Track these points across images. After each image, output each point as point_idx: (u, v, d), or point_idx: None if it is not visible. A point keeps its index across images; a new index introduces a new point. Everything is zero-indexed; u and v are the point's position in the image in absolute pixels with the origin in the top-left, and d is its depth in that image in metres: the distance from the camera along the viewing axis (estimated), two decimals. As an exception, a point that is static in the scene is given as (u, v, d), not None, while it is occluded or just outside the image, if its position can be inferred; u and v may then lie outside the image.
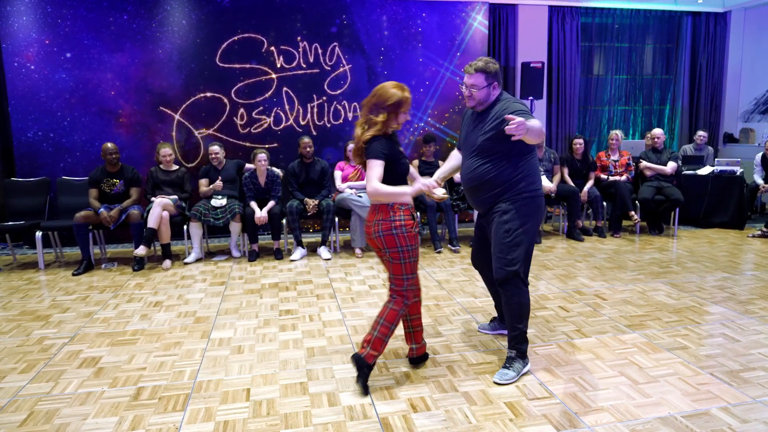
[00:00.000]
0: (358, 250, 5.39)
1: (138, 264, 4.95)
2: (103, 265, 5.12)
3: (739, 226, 6.36)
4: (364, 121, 2.52)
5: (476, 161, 2.72)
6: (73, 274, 4.81)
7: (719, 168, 6.47)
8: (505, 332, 2.98)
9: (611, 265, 4.86)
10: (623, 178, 6.20)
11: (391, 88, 2.49)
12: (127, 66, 5.89)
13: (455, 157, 3.03)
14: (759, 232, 5.95)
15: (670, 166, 6.19)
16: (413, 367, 2.82)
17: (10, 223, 5.22)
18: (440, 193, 2.59)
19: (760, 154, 6.66)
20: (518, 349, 2.72)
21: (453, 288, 4.22)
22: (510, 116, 2.33)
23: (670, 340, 3.13)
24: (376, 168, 2.44)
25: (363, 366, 2.53)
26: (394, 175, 2.50)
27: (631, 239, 5.97)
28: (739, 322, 3.39)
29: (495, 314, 3.36)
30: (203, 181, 5.41)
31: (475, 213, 5.15)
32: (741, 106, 8.13)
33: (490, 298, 3.93)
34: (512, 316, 2.70)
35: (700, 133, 7.01)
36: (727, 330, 3.28)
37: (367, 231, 2.57)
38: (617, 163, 6.29)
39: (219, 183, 5.27)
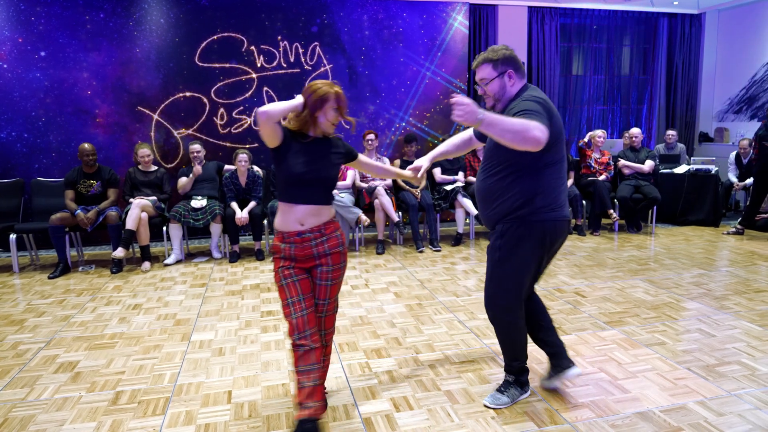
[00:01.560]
0: (340, 250, 5.37)
1: (116, 266, 4.87)
2: (80, 268, 5.03)
3: (715, 223, 6.49)
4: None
5: (484, 170, 2.33)
6: (49, 278, 4.71)
7: (695, 167, 6.59)
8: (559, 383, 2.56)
9: (591, 262, 4.92)
10: (602, 177, 6.28)
11: (319, 83, 2.14)
12: (103, 65, 5.79)
13: (457, 138, 2.58)
14: (733, 230, 6.08)
15: (648, 165, 6.29)
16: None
17: (-17, 225, 5.10)
18: (417, 183, 2.49)
19: (734, 153, 6.82)
20: (517, 378, 2.46)
21: (435, 287, 4.24)
22: (454, 97, 1.91)
23: (648, 336, 3.18)
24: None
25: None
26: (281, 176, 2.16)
27: (610, 237, 6.05)
28: (714, 318, 3.46)
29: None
30: (182, 179, 5.34)
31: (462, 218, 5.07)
32: (716, 106, 8.30)
33: (471, 297, 3.96)
34: (506, 353, 2.44)
35: (670, 132, 7.14)
36: (703, 325, 3.34)
37: (332, 244, 2.20)
38: (598, 161, 6.37)
39: (198, 168, 5.18)
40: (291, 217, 2.15)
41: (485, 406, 2.41)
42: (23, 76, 5.61)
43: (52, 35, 5.63)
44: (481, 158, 6.01)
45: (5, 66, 5.56)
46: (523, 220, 2.22)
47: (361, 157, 2.45)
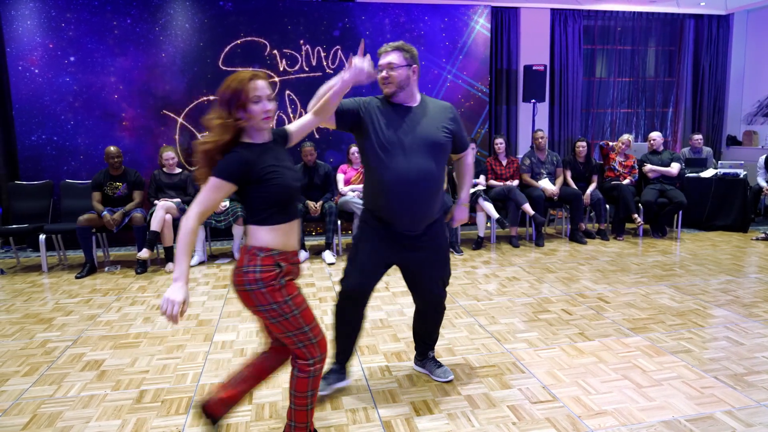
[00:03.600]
0: (360, 253, 5.38)
1: (141, 267, 4.96)
2: (106, 268, 5.13)
3: (743, 228, 6.34)
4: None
5: (426, 161, 2.32)
6: (76, 277, 4.82)
7: (722, 170, 6.45)
8: (340, 384, 2.63)
9: (614, 267, 4.85)
10: (626, 181, 6.19)
11: (228, 80, 1.82)
12: (130, 69, 5.91)
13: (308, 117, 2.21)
14: (763, 235, 5.93)
15: (675, 167, 6.18)
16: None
17: (13, 226, 5.23)
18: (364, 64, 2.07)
19: (764, 157, 6.64)
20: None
21: (455, 291, 4.22)
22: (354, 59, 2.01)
23: (674, 344, 3.12)
24: (206, 192, 1.78)
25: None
26: (263, 199, 1.84)
27: (634, 242, 5.95)
28: (743, 326, 3.38)
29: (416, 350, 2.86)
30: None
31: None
32: (744, 109, 8.12)
33: (492, 301, 3.93)
34: (438, 328, 2.74)
35: (696, 136, 7.00)
36: (731, 333, 3.27)
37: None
38: (622, 164, 6.28)
39: (221, 206, 5.20)
40: (292, 235, 1.93)
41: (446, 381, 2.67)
42: (53, 80, 5.76)
43: (81, 41, 5.78)
44: (503, 163, 6.03)
45: (36, 71, 5.71)
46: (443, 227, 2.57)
47: (290, 127, 2.09)
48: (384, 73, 2.39)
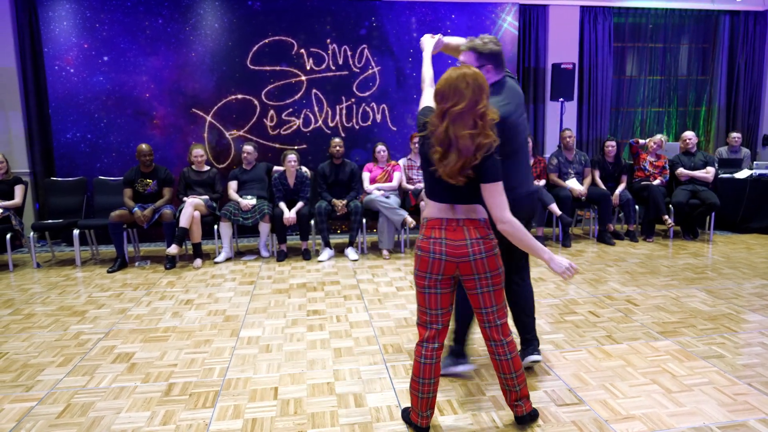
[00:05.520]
0: (385, 252, 5.40)
1: (170, 262, 5.06)
2: (136, 263, 5.25)
3: (779, 231, 6.15)
4: (490, 119, 1.97)
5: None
6: (108, 272, 4.94)
7: (758, 171, 6.26)
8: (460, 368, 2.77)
9: (643, 270, 4.75)
10: (657, 181, 6.05)
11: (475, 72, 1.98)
12: (161, 69, 6.03)
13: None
14: (800, 238, 5.74)
15: (711, 172, 6.01)
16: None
17: (49, 221, 5.40)
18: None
19: (802, 158, 6.42)
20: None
21: (480, 291, 4.18)
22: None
23: (705, 348, 3.04)
24: (503, 191, 2.01)
25: (535, 417, 2.29)
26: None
27: (664, 244, 5.82)
28: (778, 331, 3.28)
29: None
30: (232, 184, 5.50)
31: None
32: (782, 108, 7.85)
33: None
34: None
35: (734, 134, 6.81)
36: (766, 339, 3.17)
37: (457, 252, 2.03)
38: (653, 164, 6.14)
39: (247, 205, 5.24)
40: None
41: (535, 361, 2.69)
42: (87, 79, 5.91)
43: (114, 41, 5.92)
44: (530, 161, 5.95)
45: (72, 70, 5.87)
46: None
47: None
48: None
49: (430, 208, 2.13)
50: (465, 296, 2.61)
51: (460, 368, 2.75)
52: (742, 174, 6.36)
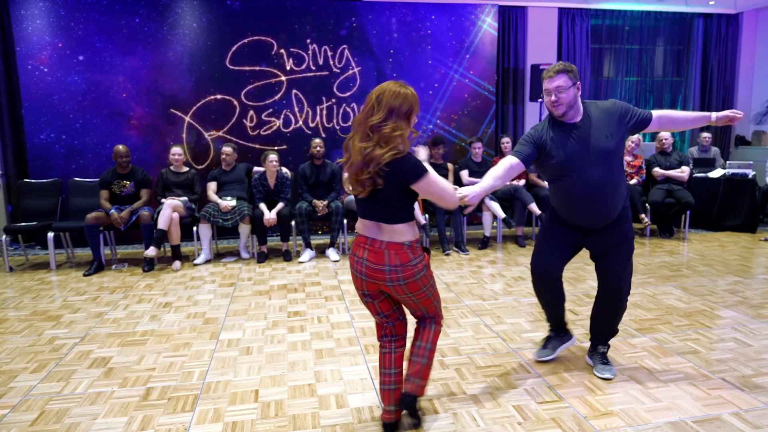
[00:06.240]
0: (366, 252, 5.39)
1: (148, 265, 4.98)
2: (113, 266, 5.16)
3: (751, 229, 6.30)
4: (391, 131, 2.00)
5: (603, 170, 2.49)
6: (84, 275, 4.85)
7: (731, 171, 6.41)
8: (564, 345, 2.97)
9: (621, 268, 4.82)
10: (634, 180, 6.15)
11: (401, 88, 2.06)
12: (138, 69, 5.94)
13: (500, 170, 2.52)
14: (771, 236, 5.89)
15: (686, 171, 6.12)
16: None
17: (22, 223, 5.28)
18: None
19: (773, 157, 6.59)
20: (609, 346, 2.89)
21: (461, 290, 4.21)
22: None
23: (681, 344, 3.10)
24: (440, 180, 2.07)
25: (415, 404, 2.23)
26: (414, 197, 2.12)
27: (641, 242, 5.92)
28: (751, 327, 3.36)
29: (546, 333, 3.06)
30: (212, 185, 5.44)
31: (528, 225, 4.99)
32: (753, 108, 8.05)
33: (498, 301, 3.92)
34: (617, 322, 2.82)
35: (705, 134, 6.96)
36: (739, 334, 3.24)
37: (376, 276, 2.07)
38: (629, 164, 6.24)
39: (227, 206, 5.20)
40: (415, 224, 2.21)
41: (605, 378, 2.70)
42: (62, 79, 5.80)
43: (90, 40, 5.81)
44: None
45: (46, 70, 5.75)
46: (628, 208, 2.67)
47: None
48: (553, 97, 2.52)
49: (359, 223, 2.16)
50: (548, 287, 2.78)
51: (567, 344, 2.96)
52: (716, 173, 6.50)
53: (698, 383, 2.63)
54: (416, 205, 2.21)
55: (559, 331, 2.95)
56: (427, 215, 5.63)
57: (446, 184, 2.11)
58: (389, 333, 2.27)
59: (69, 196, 5.66)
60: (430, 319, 2.26)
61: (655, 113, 2.65)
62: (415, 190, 2.04)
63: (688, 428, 2.23)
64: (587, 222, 2.61)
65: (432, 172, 2.06)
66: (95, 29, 5.81)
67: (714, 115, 2.62)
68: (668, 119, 2.67)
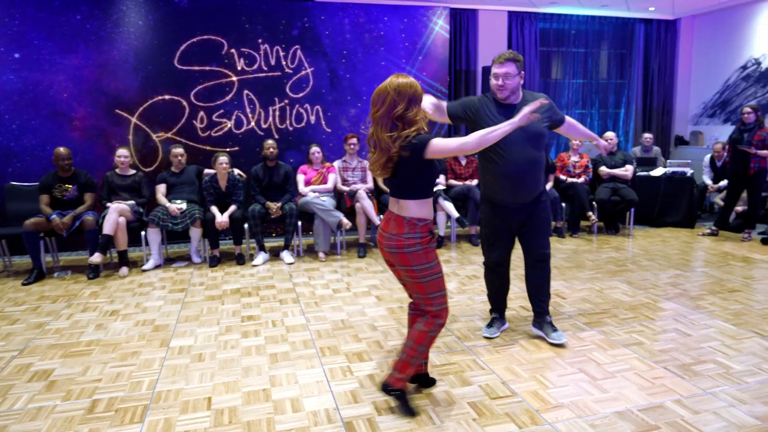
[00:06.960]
0: (321, 254, 5.36)
1: (93, 272, 4.78)
2: (55, 274, 4.93)
3: (690, 225, 6.62)
4: (414, 115, 2.21)
5: (530, 150, 2.88)
6: (23, 284, 4.61)
7: (671, 169, 6.72)
8: (503, 327, 3.35)
9: (570, 264, 4.97)
10: (581, 180, 6.36)
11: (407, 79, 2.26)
12: (80, 67, 5.70)
13: (431, 107, 2.92)
14: (708, 231, 6.21)
15: (629, 170, 6.37)
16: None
17: (-46, 231, 4.97)
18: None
19: (709, 156, 6.95)
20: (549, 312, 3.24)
21: (417, 290, 4.24)
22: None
23: (626, 336, 3.23)
24: (452, 139, 2.23)
25: (389, 391, 2.38)
26: (429, 177, 2.30)
27: (589, 239, 6.13)
28: (690, 317, 3.53)
29: (492, 314, 3.41)
30: (161, 188, 5.28)
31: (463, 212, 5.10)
32: (691, 110, 8.48)
33: (453, 299, 3.97)
34: (548, 286, 3.18)
35: (646, 135, 7.29)
36: (680, 325, 3.40)
37: (380, 242, 2.33)
38: (576, 164, 6.45)
39: (175, 210, 5.07)
40: (429, 207, 2.33)
41: (558, 344, 3.07)
42: (-4, 78, 5.49)
43: (27, 37, 5.53)
44: (462, 162, 6.10)
45: (-22, 68, 5.43)
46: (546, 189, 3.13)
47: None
48: (500, 81, 2.85)
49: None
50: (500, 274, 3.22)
51: (504, 327, 3.35)
52: (658, 172, 6.80)
53: (643, 373, 2.74)
54: (448, 204, 2.46)
55: (502, 315, 3.35)
56: (381, 216, 5.63)
57: (457, 139, 2.24)
58: (411, 304, 2.55)
59: (5, 201, 5.36)
60: (424, 314, 2.38)
61: (567, 119, 3.16)
62: (432, 158, 2.21)
63: (634, 417, 2.32)
64: (518, 197, 2.94)
65: (437, 138, 2.22)
66: (33, 25, 5.52)
67: (597, 138, 3.23)
68: (573, 127, 3.18)
